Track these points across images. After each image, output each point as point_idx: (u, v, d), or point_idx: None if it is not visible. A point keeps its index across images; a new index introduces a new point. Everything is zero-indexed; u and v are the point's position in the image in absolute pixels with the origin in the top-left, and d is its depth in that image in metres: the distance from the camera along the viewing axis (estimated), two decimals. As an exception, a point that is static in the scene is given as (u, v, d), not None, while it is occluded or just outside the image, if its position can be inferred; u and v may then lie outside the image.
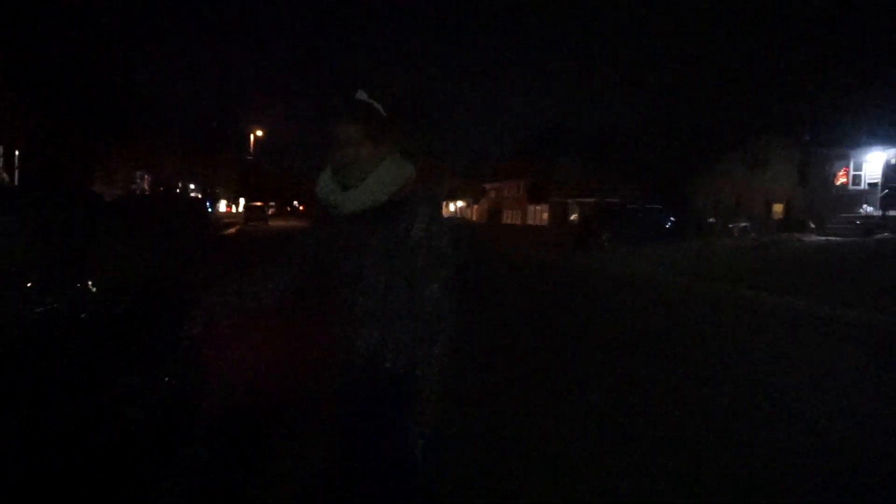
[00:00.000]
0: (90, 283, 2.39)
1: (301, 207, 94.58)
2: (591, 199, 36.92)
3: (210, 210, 38.58)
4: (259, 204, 49.09)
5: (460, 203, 74.22)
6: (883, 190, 20.07)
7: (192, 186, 52.37)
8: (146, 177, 48.33)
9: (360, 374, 1.73)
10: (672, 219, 22.47)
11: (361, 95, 1.75)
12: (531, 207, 50.05)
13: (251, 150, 54.33)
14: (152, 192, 44.49)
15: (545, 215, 46.60)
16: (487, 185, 61.22)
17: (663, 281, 13.23)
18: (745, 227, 22.32)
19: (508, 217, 53.59)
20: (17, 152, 27.44)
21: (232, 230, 32.27)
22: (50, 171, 24.57)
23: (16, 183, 25.98)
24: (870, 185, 21.85)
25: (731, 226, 22.73)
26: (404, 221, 1.68)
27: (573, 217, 40.41)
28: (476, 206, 66.04)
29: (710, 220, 24.34)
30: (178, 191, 49.39)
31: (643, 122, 30.81)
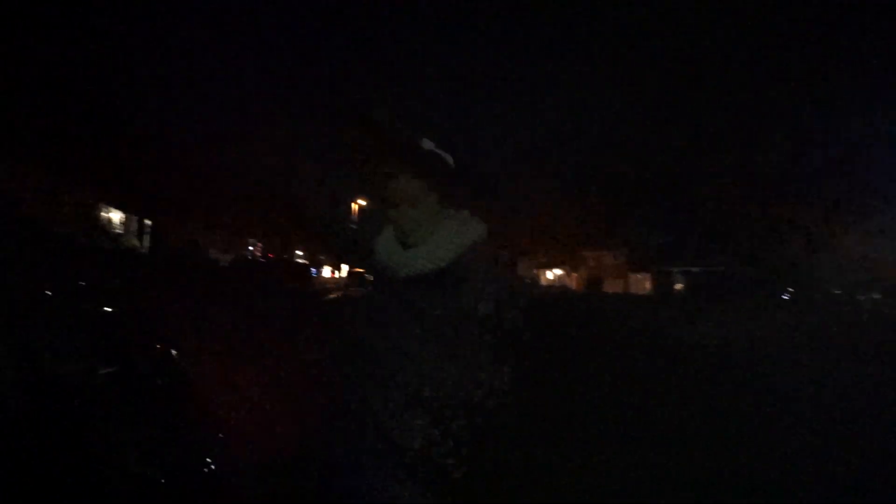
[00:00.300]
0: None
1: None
2: (699, 270, 35.07)
3: (315, 275, 40.25)
4: (362, 271, 50.66)
5: (558, 271, 73.01)
6: None
7: (298, 253, 55.12)
8: (258, 244, 51.54)
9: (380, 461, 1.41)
10: (790, 290, 20.72)
11: (428, 144, 1.50)
12: (633, 276, 48.28)
13: (354, 218, 56.72)
14: (263, 258, 47.23)
15: (647, 285, 44.71)
16: (587, 254, 59.88)
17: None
18: (877, 298, 20.19)
19: (609, 287, 51.91)
20: (146, 222, 30.22)
21: (334, 294, 33.37)
22: (175, 240, 26.70)
23: (146, 249, 28.51)
24: None
25: (860, 297, 20.65)
26: (470, 290, 1.44)
27: (678, 287, 38.47)
28: (575, 275, 64.67)
29: (836, 291, 22.23)
30: (285, 257, 52.12)
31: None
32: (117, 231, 28.51)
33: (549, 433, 4.97)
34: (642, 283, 46.48)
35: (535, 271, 79.56)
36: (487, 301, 1.42)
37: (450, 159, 1.50)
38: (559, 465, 4.72)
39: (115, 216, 28.85)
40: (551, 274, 76.80)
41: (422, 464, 1.39)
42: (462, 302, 1.43)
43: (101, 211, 26.99)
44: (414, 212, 1.49)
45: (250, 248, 49.59)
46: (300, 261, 51.86)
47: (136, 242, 29.17)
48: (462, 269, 1.46)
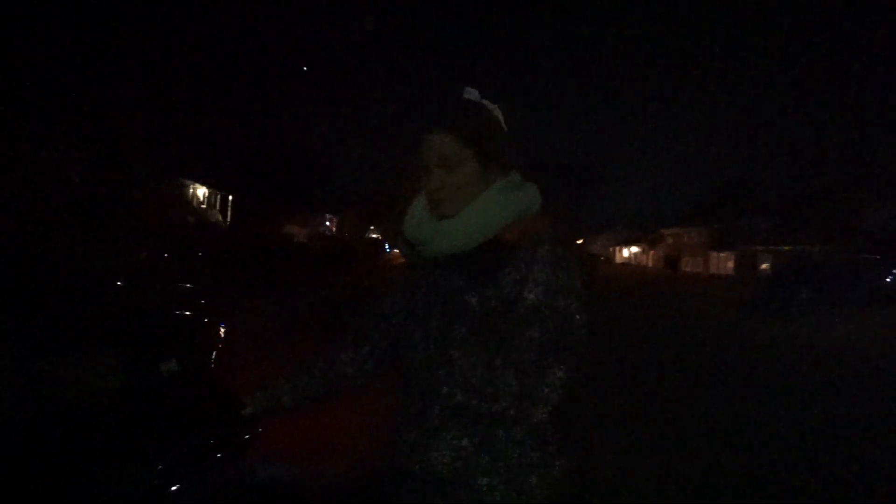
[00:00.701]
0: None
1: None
2: (787, 248, 33.05)
3: (388, 251, 40.87)
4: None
5: (635, 249, 70.99)
6: None
7: (371, 228, 56.11)
8: (334, 219, 52.84)
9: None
10: (895, 272, 18.90)
11: (471, 94, 1.24)
12: (714, 255, 46.24)
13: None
14: (339, 235, 48.40)
15: (730, 264, 42.70)
16: (665, 231, 57.89)
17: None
18: None
19: (687, 264, 50.02)
20: (230, 197, 31.46)
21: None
22: (255, 215, 27.68)
23: (227, 223, 29.72)
24: None
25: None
26: (515, 274, 1.12)
27: (763, 267, 36.48)
28: (652, 252, 62.71)
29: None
30: (360, 235, 53.19)
31: (849, 165, 27.27)
32: (203, 206, 29.81)
33: (612, 455, 4.16)
34: (724, 262, 44.42)
35: (610, 248, 77.63)
36: (536, 287, 1.10)
37: (499, 114, 1.23)
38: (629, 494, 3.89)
39: (201, 191, 30.11)
40: (626, 251, 74.82)
41: (454, 487, 1.14)
42: (505, 288, 1.12)
43: (188, 188, 28.24)
44: (448, 176, 1.19)
45: (327, 223, 50.85)
46: (373, 236, 52.87)
47: (219, 217, 30.44)
48: (506, 248, 1.15)
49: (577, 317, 1.10)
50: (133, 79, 12.44)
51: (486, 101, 1.23)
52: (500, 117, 1.23)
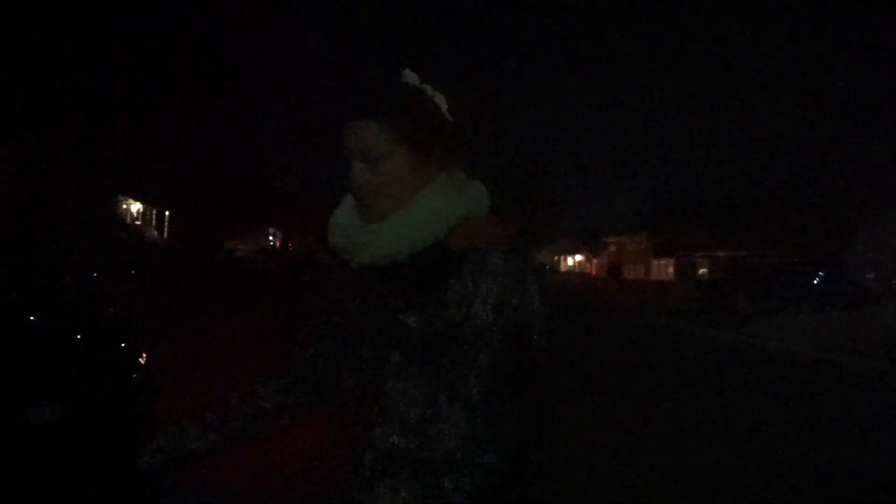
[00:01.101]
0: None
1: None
2: (724, 254, 34.32)
3: (340, 265, 40.19)
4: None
5: (579, 257, 72.29)
6: None
7: (317, 242, 55.19)
8: (279, 233, 51.73)
9: None
10: (822, 278, 19.82)
11: (409, 77, 1.04)
12: (655, 262, 47.61)
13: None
14: (283, 249, 47.36)
15: (670, 269, 44.02)
16: (607, 240, 59.27)
17: (844, 368, 9.90)
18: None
19: (630, 272, 51.28)
20: (166, 213, 30.33)
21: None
22: (193, 231, 26.70)
23: (164, 239, 28.61)
24: None
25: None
26: (461, 288, 0.91)
27: (701, 272, 37.74)
28: (596, 261, 64.05)
29: (869, 275, 21.28)
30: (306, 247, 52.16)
31: (783, 174, 28.64)
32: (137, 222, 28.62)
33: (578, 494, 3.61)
34: (664, 269, 45.77)
35: (555, 257, 78.85)
36: (487, 303, 0.89)
37: (441, 102, 1.03)
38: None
39: (135, 207, 28.93)
40: (571, 260, 76.13)
41: None
42: (449, 306, 0.92)
43: (121, 203, 27.07)
44: (374, 171, 0.99)
45: (271, 238, 49.70)
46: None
47: (154, 233, 29.26)
48: (449, 257, 0.95)
49: (536, 338, 0.91)
50: (65, 87, 11.72)
51: (426, 86, 1.03)
52: (443, 105, 1.03)
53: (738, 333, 14.63)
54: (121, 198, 26.33)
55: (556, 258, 77.96)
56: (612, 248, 58.60)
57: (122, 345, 2.74)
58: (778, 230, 28.65)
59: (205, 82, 20.14)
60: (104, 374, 2.03)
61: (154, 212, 30.38)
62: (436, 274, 0.95)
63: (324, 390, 1.16)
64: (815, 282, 19.55)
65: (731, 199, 35.19)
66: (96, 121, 14.03)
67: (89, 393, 1.70)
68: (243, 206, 30.88)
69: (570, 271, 71.80)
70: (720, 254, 35.12)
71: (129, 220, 27.51)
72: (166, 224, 30.36)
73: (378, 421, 0.94)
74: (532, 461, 0.96)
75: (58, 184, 12.63)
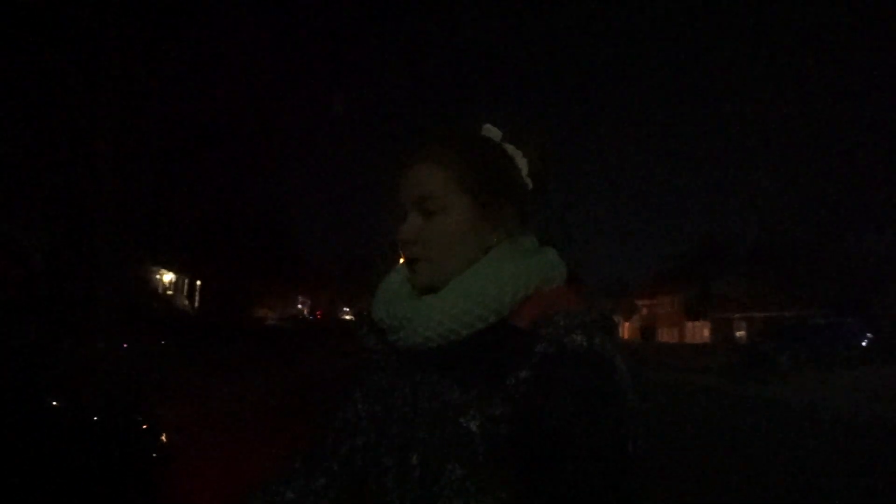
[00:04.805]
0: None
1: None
2: (762, 314, 33.27)
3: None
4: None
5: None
6: None
7: (345, 309, 55.35)
8: (307, 301, 52.08)
9: None
10: (869, 335, 19.06)
11: (489, 132, 0.90)
12: (689, 324, 46.38)
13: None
14: (311, 317, 47.55)
15: (706, 332, 42.79)
16: (639, 302, 58.25)
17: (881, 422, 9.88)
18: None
19: (663, 335, 50.03)
20: (198, 282, 30.79)
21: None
22: (224, 299, 26.98)
23: (195, 309, 28.91)
24: None
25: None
26: (533, 381, 0.73)
27: (739, 334, 36.59)
28: (627, 324, 62.84)
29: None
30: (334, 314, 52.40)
31: (816, 224, 27.94)
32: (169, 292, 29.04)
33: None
34: (699, 331, 44.49)
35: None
36: (566, 403, 0.71)
37: (524, 166, 0.88)
38: None
39: (167, 277, 29.43)
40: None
41: None
42: (517, 404, 0.74)
43: (154, 273, 27.58)
44: (430, 224, 0.84)
45: (300, 305, 50.00)
46: (347, 317, 52.00)
47: (185, 302, 29.62)
48: (518, 339, 0.77)
49: (630, 447, 0.70)
50: (99, 159, 12.11)
51: (508, 145, 0.89)
52: (524, 168, 0.88)
53: (777, 390, 14.21)
54: (153, 268, 26.85)
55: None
56: (644, 311, 57.48)
57: (143, 423, 2.62)
58: (813, 280, 27.74)
59: (235, 149, 20.77)
60: (123, 450, 1.90)
61: (186, 281, 30.85)
62: (501, 360, 0.76)
63: (359, 498, 0.93)
64: (855, 337, 18.83)
65: (761, 246, 34.33)
66: (128, 190, 14.44)
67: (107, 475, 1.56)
68: (273, 274, 31.27)
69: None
70: (757, 314, 34.06)
71: (161, 289, 27.95)
72: (197, 292, 30.76)
73: None
74: None
75: (91, 254, 12.88)
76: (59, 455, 2.02)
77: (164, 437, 2.69)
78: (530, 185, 0.88)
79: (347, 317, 52.13)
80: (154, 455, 2.33)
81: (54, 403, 2.38)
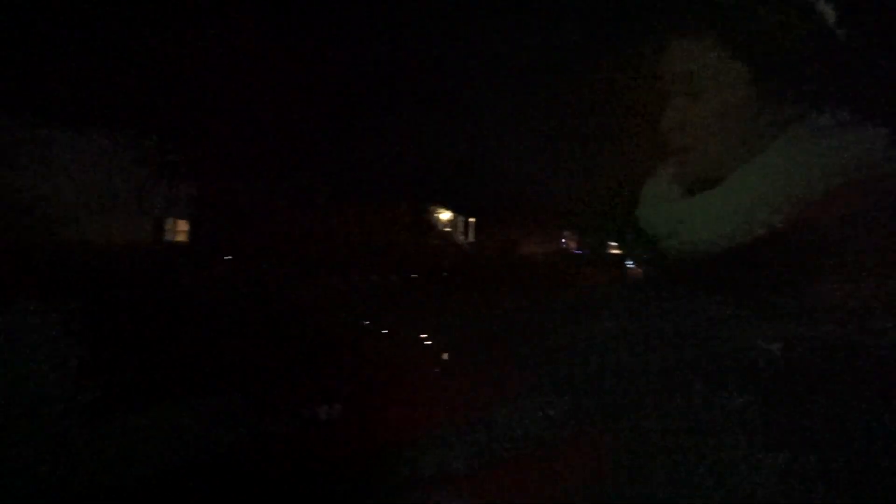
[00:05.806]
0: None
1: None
2: None
3: (633, 267, 39.92)
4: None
5: None
6: None
7: (613, 244, 55.47)
8: (572, 238, 53.58)
9: None
10: None
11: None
12: None
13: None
14: (579, 251, 48.91)
15: None
16: None
17: None
18: None
19: None
20: (470, 220, 33.62)
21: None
22: (494, 235, 29.06)
23: (471, 245, 31.71)
24: None
25: None
26: (849, 294, 0.59)
27: None
28: None
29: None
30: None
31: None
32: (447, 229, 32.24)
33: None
34: None
35: None
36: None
37: (830, 15, 0.66)
38: None
39: (444, 216, 32.62)
40: None
41: None
42: (824, 323, 0.59)
43: (433, 212, 30.78)
44: (701, 106, 0.66)
45: (563, 241, 51.34)
46: (614, 252, 51.58)
47: (462, 238, 32.68)
48: (820, 243, 0.62)
49: None
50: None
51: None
52: (829, 15, 0.65)
53: None
54: (432, 206, 29.90)
55: None
56: None
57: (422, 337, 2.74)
58: None
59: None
60: (381, 374, 1.96)
61: (461, 219, 33.80)
62: (797, 269, 0.61)
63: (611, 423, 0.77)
64: None
65: None
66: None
67: (366, 394, 1.61)
68: (539, 213, 32.43)
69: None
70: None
71: (439, 226, 31.08)
72: (471, 230, 33.54)
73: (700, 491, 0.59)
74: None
75: (380, 198, 14.68)
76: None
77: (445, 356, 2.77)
78: (828, 39, 0.68)
79: (616, 251, 52.21)
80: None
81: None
